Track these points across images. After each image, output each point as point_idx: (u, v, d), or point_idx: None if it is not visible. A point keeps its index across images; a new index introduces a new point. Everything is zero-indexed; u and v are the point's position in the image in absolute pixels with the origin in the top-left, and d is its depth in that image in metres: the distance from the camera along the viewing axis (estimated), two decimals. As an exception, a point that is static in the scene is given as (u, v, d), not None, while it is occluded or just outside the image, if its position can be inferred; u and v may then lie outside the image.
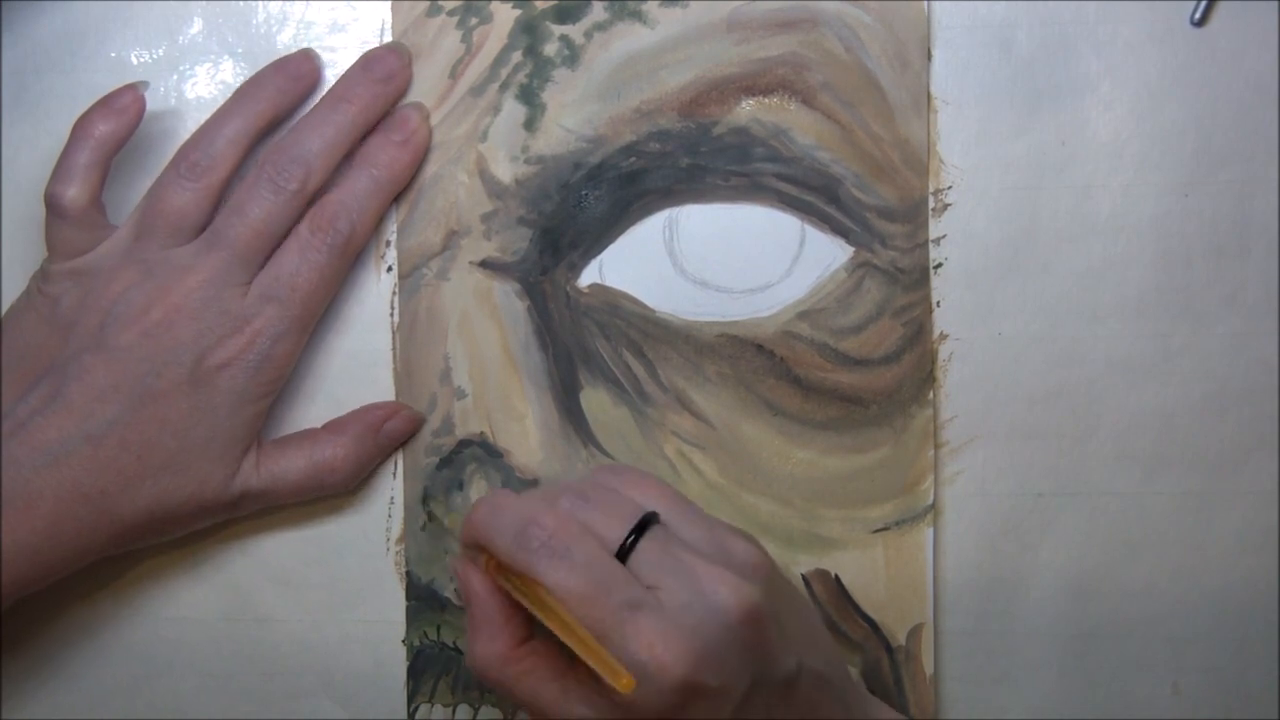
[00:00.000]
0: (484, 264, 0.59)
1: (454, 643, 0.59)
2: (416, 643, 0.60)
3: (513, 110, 0.59)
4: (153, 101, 0.59)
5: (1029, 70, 0.59)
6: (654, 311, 0.59)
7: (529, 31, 0.59)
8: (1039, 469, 0.59)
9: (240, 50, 0.60)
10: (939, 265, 0.59)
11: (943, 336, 0.59)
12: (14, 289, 0.59)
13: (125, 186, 0.59)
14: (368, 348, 0.60)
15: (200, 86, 0.60)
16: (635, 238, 0.59)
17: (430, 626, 0.60)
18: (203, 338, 0.55)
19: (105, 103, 0.56)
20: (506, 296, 0.59)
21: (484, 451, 0.59)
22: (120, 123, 0.56)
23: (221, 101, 0.58)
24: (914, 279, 0.58)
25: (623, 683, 0.46)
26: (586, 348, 0.59)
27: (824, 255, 0.58)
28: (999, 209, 0.59)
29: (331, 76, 0.59)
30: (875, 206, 0.58)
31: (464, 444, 0.59)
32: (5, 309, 0.58)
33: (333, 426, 0.58)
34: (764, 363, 0.59)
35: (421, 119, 0.58)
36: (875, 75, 0.58)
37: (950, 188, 0.59)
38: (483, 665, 0.51)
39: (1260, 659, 0.59)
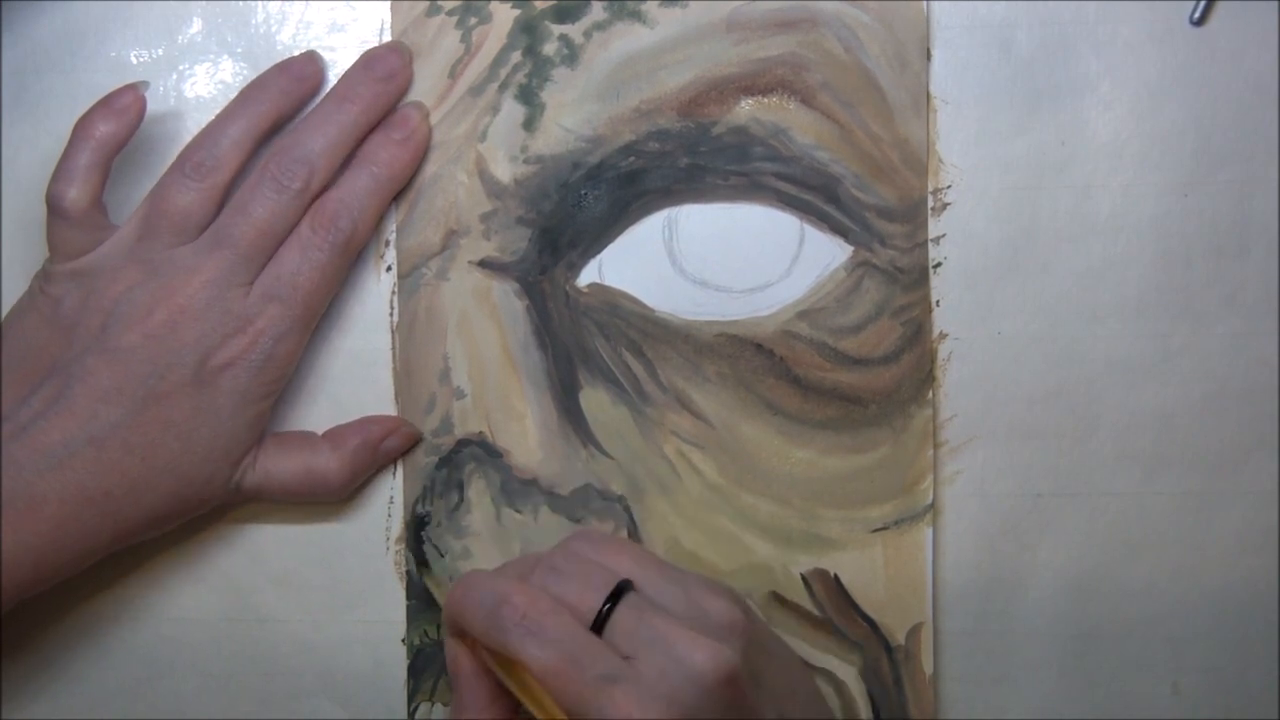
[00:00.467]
0: (483, 264, 0.59)
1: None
2: (416, 642, 0.60)
3: (512, 110, 0.59)
4: (153, 101, 0.59)
5: (1029, 70, 0.59)
6: (653, 311, 0.59)
7: (528, 31, 0.59)
8: (1038, 469, 0.59)
9: (240, 50, 0.60)
10: (938, 265, 0.59)
11: (942, 336, 0.59)
12: (15, 289, 0.59)
13: (125, 186, 0.59)
14: (367, 348, 0.60)
15: (200, 86, 0.60)
16: (634, 237, 0.59)
17: (430, 626, 0.60)
18: (206, 338, 0.55)
19: (106, 103, 0.56)
20: (506, 296, 0.59)
21: (483, 451, 0.59)
22: (121, 123, 0.56)
23: (221, 101, 0.58)
24: (913, 279, 0.58)
25: None
26: (586, 347, 0.59)
27: (823, 255, 0.58)
28: (998, 209, 0.59)
29: (331, 76, 0.59)
30: (874, 206, 0.58)
31: (463, 444, 0.59)
32: (6, 310, 0.58)
33: (333, 437, 0.58)
34: (763, 362, 0.59)
35: (422, 118, 0.58)
36: (874, 75, 0.58)
37: (949, 187, 0.59)
38: None
39: (1260, 659, 0.59)
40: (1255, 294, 0.58)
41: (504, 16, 0.59)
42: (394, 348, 0.60)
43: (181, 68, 0.60)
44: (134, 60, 0.60)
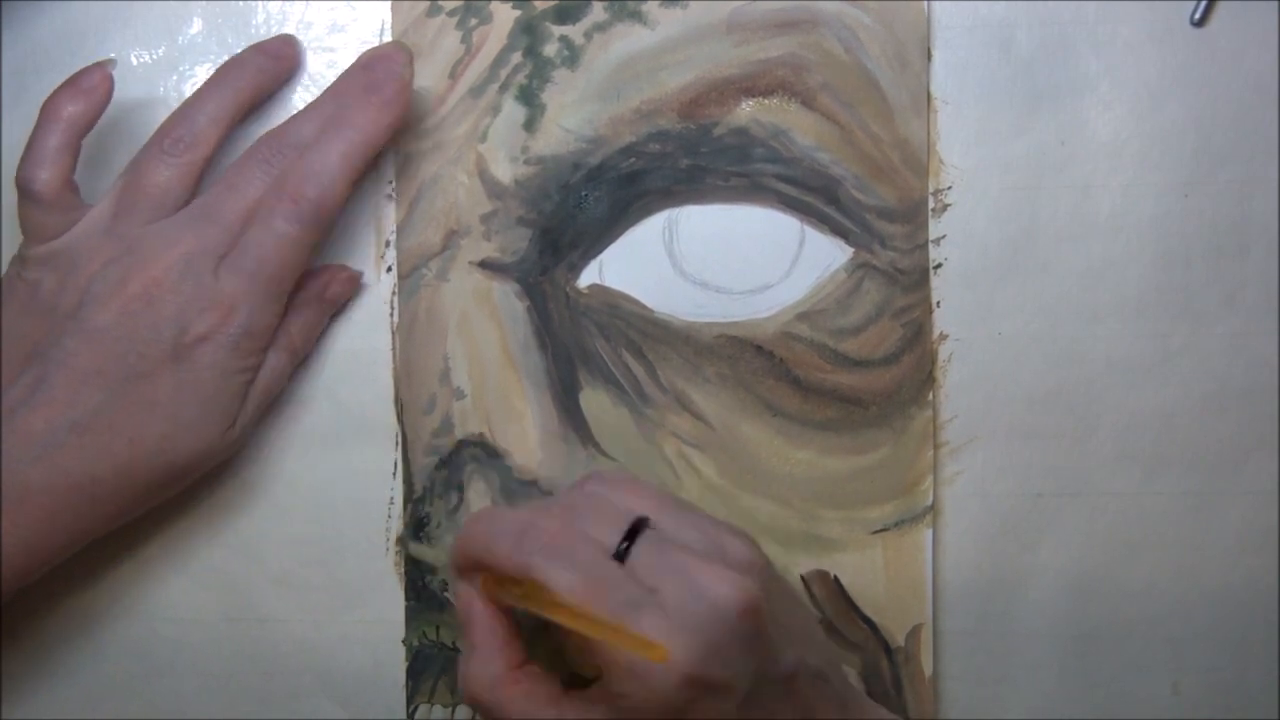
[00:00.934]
0: (483, 264, 0.59)
1: (453, 643, 0.59)
2: (416, 643, 0.60)
3: (512, 111, 0.59)
4: (153, 101, 0.59)
5: (1029, 70, 0.59)
6: (653, 312, 0.59)
7: (529, 32, 0.59)
8: (1038, 469, 0.59)
9: (240, 50, 0.60)
10: (939, 265, 0.59)
11: (942, 337, 0.59)
12: (14, 289, 0.59)
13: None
14: (367, 348, 0.60)
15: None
16: (635, 238, 0.59)
17: (429, 627, 0.60)
18: (183, 312, 0.54)
19: (73, 83, 0.56)
20: (506, 297, 0.59)
21: (483, 452, 0.59)
22: (89, 103, 0.55)
23: (220, 99, 0.58)
24: (913, 280, 0.58)
25: (657, 653, 0.46)
26: (586, 348, 0.59)
27: (823, 256, 0.58)
28: (999, 209, 0.59)
29: (331, 76, 0.59)
30: (875, 207, 0.58)
31: (463, 444, 0.59)
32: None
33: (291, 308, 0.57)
34: (763, 363, 0.59)
35: (388, 71, 0.56)
36: (875, 76, 0.58)
37: (950, 188, 0.59)
38: (476, 687, 0.51)
39: (1260, 659, 0.59)
40: (1255, 294, 0.58)
41: (504, 17, 0.59)
42: (394, 348, 0.60)
43: (181, 68, 0.60)
44: (134, 60, 0.60)
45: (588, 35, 0.58)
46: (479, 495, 0.59)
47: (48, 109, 0.55)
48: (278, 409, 0.59)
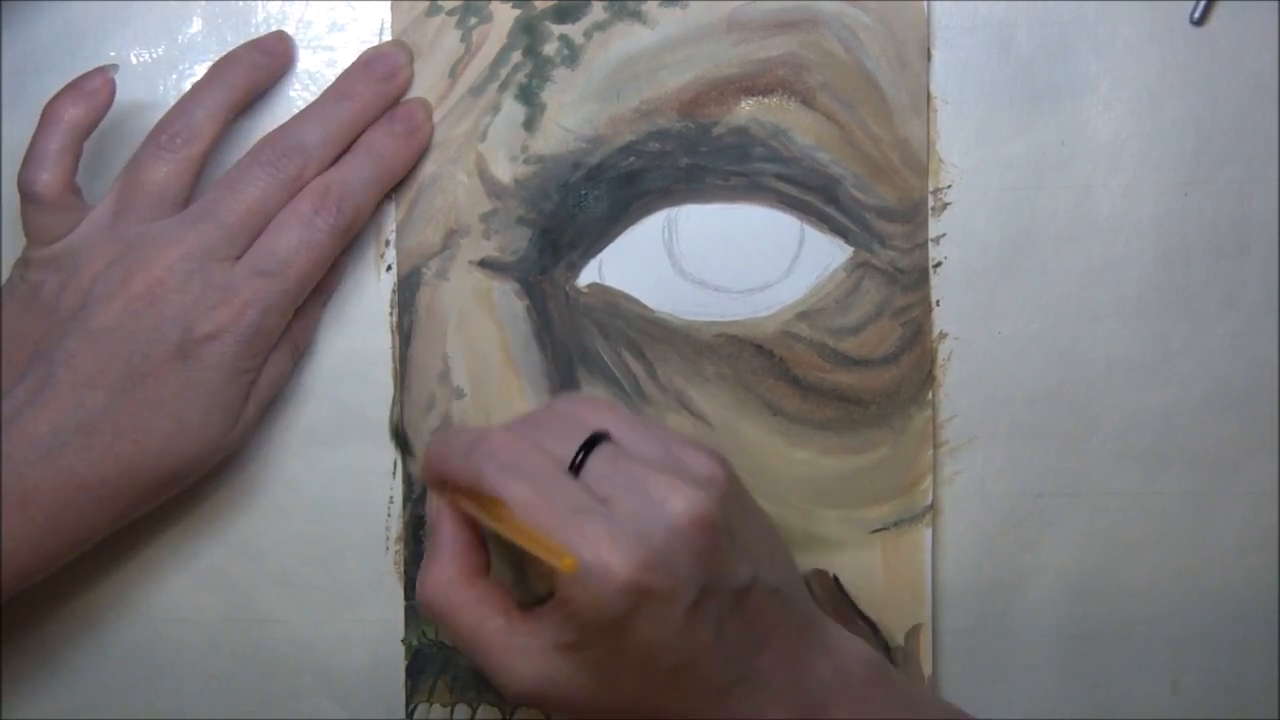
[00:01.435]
0: (483, 264, 0.59)
1: (452, 643, 0.59)
2: (415, 642, 0.60)
3: (512, 110, 0.59)
4: (153, 101, 0.59)
5: (1029, 70, 0.59)
6: (653, 311, 0.59)
7: (528, 31, 0.59)
8: (1038, 469, 0.59)
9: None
10: (938, 264, 0.59)
11: (942, 336, 0.59)
12: (14, 288, 0.59)
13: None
14: (367, 348, 0.60)
15: (200, 86, 0.60)
16: (634, 237, 0.59)
17: (429, 626, 0.60)
18: (188, 311, 0.54)
19: (74, 87, 0.56)
20: (506, 296, 0.59)
21: (483, 451, 0.59)
22: (90, 106, 0.55)
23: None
24: (913, 279, 0.58)
25: (566, 562, 0.46)
26: (585, 347, 0.59)
27: (823, 255, 0.58)
28: (998, 208, 0.59)
29: (331, 75, 0.59)
30: (874, 207, 0.58)
31: (463, 444, 0.59)
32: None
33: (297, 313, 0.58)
34: (763, 363, 0.59)
35: (426, 115, 0.58)
36: (875, 75, 0.58)
37: (950, 187, 0.59)
38: (431, 591, 0.51)
39: (1260, 659, 0.59)
40: (1255, 294, 0.58)
41: (504, 16, 0.59)
42: (394, 348, 0.60)
43: (181, 68, 0.60)
44: (134, 60, 0.60)
45: (587, 34, 0.58)
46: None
47: (49, 112, 0.55)
48: (278, 409, 0.59)
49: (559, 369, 0.59)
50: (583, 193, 0.59)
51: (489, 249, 0.59)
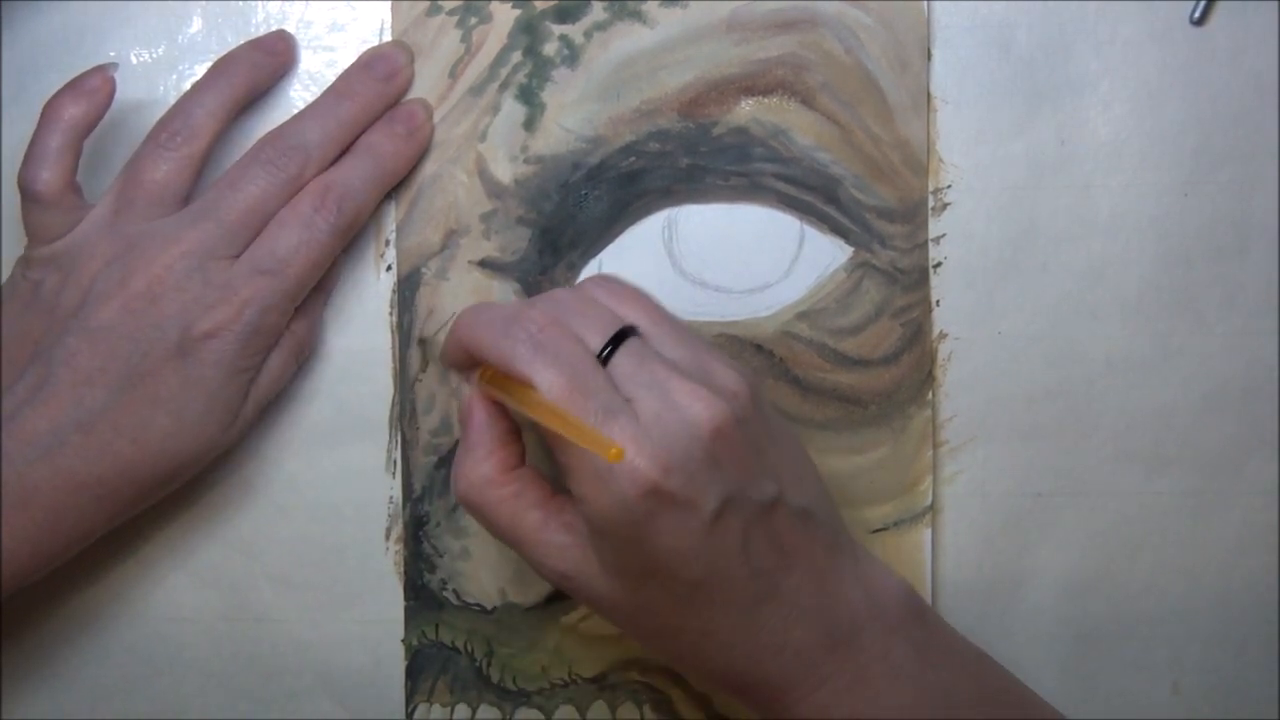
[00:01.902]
0: (483, 263, 0.59)
1: (452, 643, 0.59)
2: (415, 642, 0.60)
3: (512, 110, 0.59)
4: (153, 100, 0.59)
5: (1029, 70, 0.59)
6: (653, 311, 0.59)
7: (528, 31, 0.59)
8: (1038, 469, 0.59)
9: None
10: (938, 264, 0.59)
11: (942, 336, 0.59)
12: (14, 288, 0.59)
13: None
14: (367, 347, 0.60)
15: (200, 86, 0.60)
16: (634, 238, 0.59)
17: (429, 626, 0.60)
18: (188, 309, 0.54)
19: (74, 85, 0.56)
20: (505, 296, 0.59)
21: (483, 451, 0.59)
22: (90, 104, 0.55)
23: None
24: (913, 279, 0.58)
25: (613, 453, 0.46)
26: (586, 347, 0.59)
27: (823, 256, 0.58)
28: (998, 208, 0.59)
29: (331, 75, 0.59)
30: (875, 207, 0.58)
31: (463, 444, 0.59)
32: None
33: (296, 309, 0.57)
34: (763, 363, 0.59)
35: (426, 115, 0.58)
36: (875, 76, 0.58)
37: (950, 187, 0.59)
38: (467, 486, 0.51)
39: (1260, 659, 0.59)
40: (1255, 294, 0.58)
41: (504, 16, 0.59)
42: (394, 348, 0.60)
43: (181, 68, 0.60)
44: (134, 60, 0.60)
45: (588, 34, 0.58)
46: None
47: (49, 110, 0.55)
48: (278, 408, 0.59)
49: (559, 369, 0.59)
50: (583, 193, 0.59)
51: (489, 249, 0.59)
